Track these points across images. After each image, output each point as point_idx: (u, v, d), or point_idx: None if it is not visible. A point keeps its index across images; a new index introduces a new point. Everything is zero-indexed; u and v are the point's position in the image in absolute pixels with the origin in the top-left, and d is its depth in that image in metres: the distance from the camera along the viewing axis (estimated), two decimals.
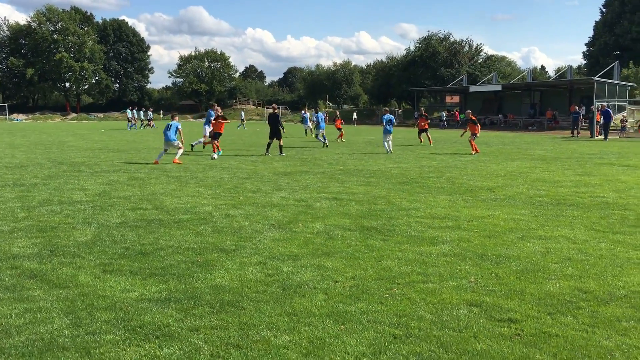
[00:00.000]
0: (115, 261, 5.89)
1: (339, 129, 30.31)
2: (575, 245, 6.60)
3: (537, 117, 52.60)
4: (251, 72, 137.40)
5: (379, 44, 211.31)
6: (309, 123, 34.73)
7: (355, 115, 65.40)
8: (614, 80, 49.40)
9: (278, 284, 5.15)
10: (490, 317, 4.35)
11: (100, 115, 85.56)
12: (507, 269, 5.65)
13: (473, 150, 21.09)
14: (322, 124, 26.50)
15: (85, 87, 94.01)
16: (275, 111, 20.26)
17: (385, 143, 21.32)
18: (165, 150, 16.87)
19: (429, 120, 28.46)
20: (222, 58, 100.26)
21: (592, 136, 34.59)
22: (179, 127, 17.02)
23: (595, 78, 46.67)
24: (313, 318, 4.32)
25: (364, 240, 6.84)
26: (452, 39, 78.08)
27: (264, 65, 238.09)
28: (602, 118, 32.80)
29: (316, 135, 27.07)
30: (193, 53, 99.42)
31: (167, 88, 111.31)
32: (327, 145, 24.61)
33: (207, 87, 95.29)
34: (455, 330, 4.08)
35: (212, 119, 19.60)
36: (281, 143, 19.87)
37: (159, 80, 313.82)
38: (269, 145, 20.07)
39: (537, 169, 15.31)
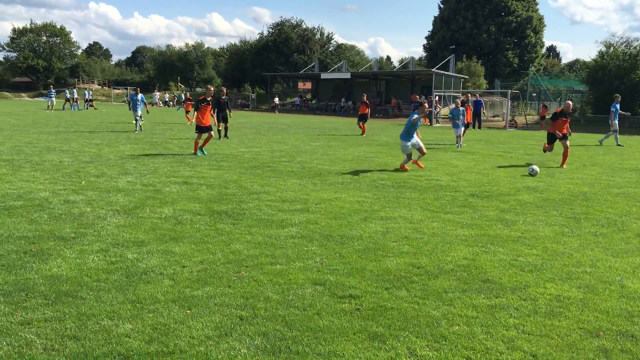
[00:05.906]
0: None
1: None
2: (411, 225, 7.11)
3: (383, 105, 55.49)
4: (96, 50, 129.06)
5: (233, 26, 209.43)
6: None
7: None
8: (450, 73, 53.55)
9: (121, 272, 4.95)
10: (333, 294, 4.56)
11: None
12: (350, 248, 5.95)
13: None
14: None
15: None
16: (225, 97, 21.20)
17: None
18: None
19: (368, 109, 25.47)
20: (62, 33, 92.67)
21: (430, 124, 37.29)
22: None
23: (434, 70, 50.18)
24: (158, 304, 4.22)
25: (213, 225, 6.79)
26: (305, 26, 79.52)
27: (110, 43, 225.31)
28: (474, 108, 35.00)
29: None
30: (28, 26, 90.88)
31: None
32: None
33: (45, 63, 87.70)
34: (300, 309, 4.23)
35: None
36: (227, 125, 20.67)
37: None
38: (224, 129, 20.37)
39: (381, 154, 16.19)
